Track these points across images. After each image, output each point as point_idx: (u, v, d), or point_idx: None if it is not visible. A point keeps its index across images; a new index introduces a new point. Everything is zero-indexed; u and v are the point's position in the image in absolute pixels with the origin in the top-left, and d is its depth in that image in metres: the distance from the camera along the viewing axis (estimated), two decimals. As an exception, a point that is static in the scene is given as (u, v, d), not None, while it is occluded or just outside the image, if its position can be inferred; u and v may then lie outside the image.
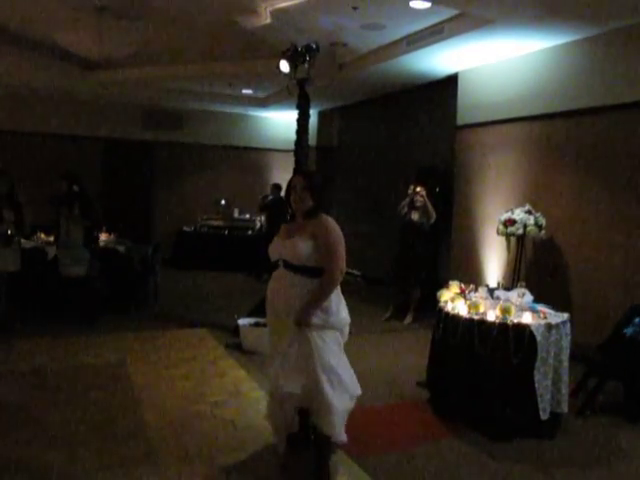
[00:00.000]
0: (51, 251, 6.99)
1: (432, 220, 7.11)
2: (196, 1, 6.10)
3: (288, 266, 3.29)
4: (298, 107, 6.29)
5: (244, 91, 10.63)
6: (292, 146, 6.33)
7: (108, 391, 4.58)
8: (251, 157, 12.51)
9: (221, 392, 4.65)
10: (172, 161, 11.89)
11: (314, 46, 5.86)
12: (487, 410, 3.99)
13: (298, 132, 6.27)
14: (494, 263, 6.97)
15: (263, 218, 11.88)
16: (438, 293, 4.60)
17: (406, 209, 7.18)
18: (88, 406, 4.26)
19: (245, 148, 12.41)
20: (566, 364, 4.11)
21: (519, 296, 4.35)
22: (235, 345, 5.92)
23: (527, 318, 3.99)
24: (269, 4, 6.06)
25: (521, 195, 6.56)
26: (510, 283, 5.97)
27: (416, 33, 6.53)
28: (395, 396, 4.74)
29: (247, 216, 12.08)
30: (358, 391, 3.36)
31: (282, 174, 11.42)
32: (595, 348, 4.69)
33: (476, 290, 4.60)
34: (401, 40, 6.83)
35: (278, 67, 6.09)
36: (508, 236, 6.24)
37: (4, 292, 6.25)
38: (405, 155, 9.38)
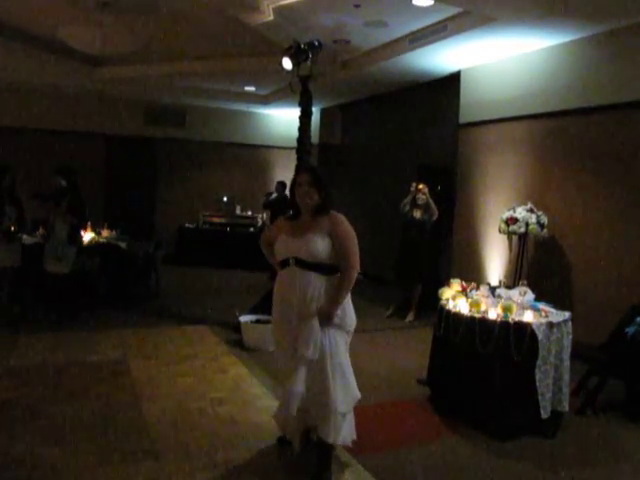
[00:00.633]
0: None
1: (434, 218, 7.11)
2: (199, -2, 6.11)
3: (301, 264, 3.25)
4: (300, 104, 6.28)
5: (246, 88, 10.62)
6: (294, 143, 6.33)
7: (109, 387, 4.59)
8: (253, 154, 12.50)
9: (222, 389, 4.66)
10: (174, 158, 11.89)
11: (317, 43, 5.85)
12: (488, 408, 3.99)
13: (300, 129, 6.27)
14: (496, 261, 6.96)
15: (265, 215, 11.90)
16: (440, 291, 4.60)
17: (408, 207, 7.18)
18: (89, 402, 4.26)
19: (247, 145, 12.40)
20: (567, 363, 4.11)
21: (520, 294, 4.34)
22: (236, 342, 5.92)
23: (528, 316, 3.98)
24: (272, 1, 6.05)
25: (523, 193, 6.55)
26: (512, 281, 5.96)
27: (419, 31, 6.52)
28: (396, 394, 4.74)
29: (249, 213, 12.08)
30: (358, 395, 3.36)
31: (284, 171, 11.43)
32: (597, 347, 4.69)
33: (478, 288, 4.59)
34: (404, 38, 6.82)
35: (281, 64, 6.08)
36: (510, 234, 6.23)
37: (7, 287, 6.27)
38: (407, 153, 9.37)
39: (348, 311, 3.34)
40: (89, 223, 7.50)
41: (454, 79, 7.80)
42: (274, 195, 10.43)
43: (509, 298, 4.29)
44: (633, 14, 5.17)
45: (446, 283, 4.76)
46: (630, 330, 4.44)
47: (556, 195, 6.24)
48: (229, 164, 12.35)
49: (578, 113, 5.99)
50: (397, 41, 6.97)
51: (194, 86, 10.45)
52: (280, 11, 6.06)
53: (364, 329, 6.45)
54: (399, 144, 9.64)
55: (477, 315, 4.08)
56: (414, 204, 7.14)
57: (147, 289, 8.07)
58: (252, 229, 11.70)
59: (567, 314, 4.21)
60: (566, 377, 4.09)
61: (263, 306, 6.19)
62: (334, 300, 3.22)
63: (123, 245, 7.49)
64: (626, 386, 4.50)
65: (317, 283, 3.25)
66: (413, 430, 4.09)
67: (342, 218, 3.32)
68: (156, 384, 4.71)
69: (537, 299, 4.39)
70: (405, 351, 5.97)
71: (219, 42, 7.77)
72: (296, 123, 6.32)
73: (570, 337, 4.14)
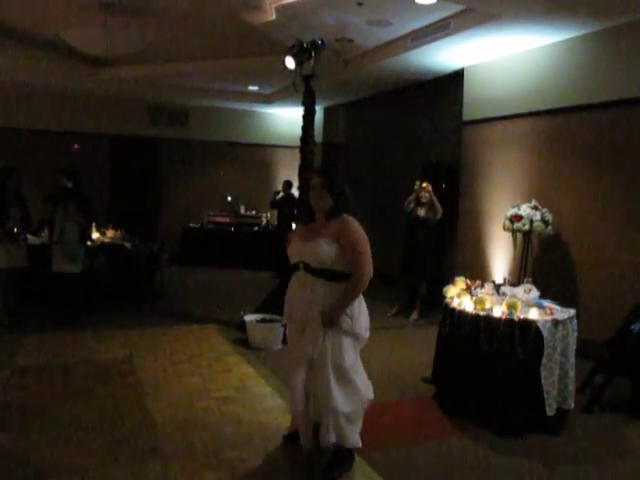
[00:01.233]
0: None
1: (439, 216, 7.10)
2: (201, -2, 6.11)
3: (309, 269, 3.24)
4: (304, 103, 6.28)
5: (250, 87, 10.64)
6: (298, 142, 6.34)
7: (115, 387, 4.61)
8: (257, 153, 12.51)
9: (227, 388, 4.67)
10: (178, 158, 11.91)
11: (319, 42, 5.86)
12: (493, 406, 3.99)
13: (304, 128, 6.27)
14: (500, 259, 6.96)
15: (269, 214, 11.92)
16: (444, 289, 4.60)
17: (412, 205, 7.18)
18: (95, 401, 4.28)
19: (251, 145, 12.41)
20: (573, 360, 4.10)
21: (525, 292, 4.34)
22: (241, 341, 5.93)
23: (533, 314, 3.98)
24: (274, 0, 6.05)
25: (527, 191, 6.54)
26: (516, 279, 5.95)
27: (422, 29, 6.52)
28: (401, 392, 4.74)
29: (253, 212, 12.09)
30: (370, 395, 3.35)
31: (288, 170, 11.44)
32: (602, 344, 4.67)
33: (482, 286, 4.58)
34: (407, 36, 6.82)
35: (284, 63, 6.09)
36: (514, 232, 6.21)
37: (13, 288, 6.29)
38: (411, 151, 9.36)
39: (360, 318, 3.25)
40: (94, 223, 7.55)
41: (458, 77, 7.79)
42: (281, 194, 10.44)
43: (514, 296, 4.29)
44: (638, 10, 5.15)
45: (451, 281, 4.77)
46: (636, 327, 4.43)
47: (560, 192, 6.23)
48: (233, 164, 12.36)
49: (582, 110, 5.98)
50: (400, 39, 6.96)
51: (197, 86, 10.47)
52: (283, 10, 6.06)
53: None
54: (403, 142, 9.64)
55: (482, 313, 4.07)
56: (418, 202, 7.14)
57: (152, 289, 8.09)
58: (256, 228, 11.72)
59: (572, 311, 4.21)
60: (571, 374, 4.09)
61: (268, 305, 6.21)
62: (338, 303, 3.15)
63: (128, 245, 7.50)
64: (632, 383, 4.49)
65: (323, 289, 3.19)
66: (418, 428, 4.09)
67: (352, 222, 3.23)
68: (162, 383, 4.72)
69: (542, 296, 4.39)
70: (410, 349, 5.97)
71: (222, 42, 7.78)
72: (300, 122, 6.32)
73: (575, 334, 4.14)
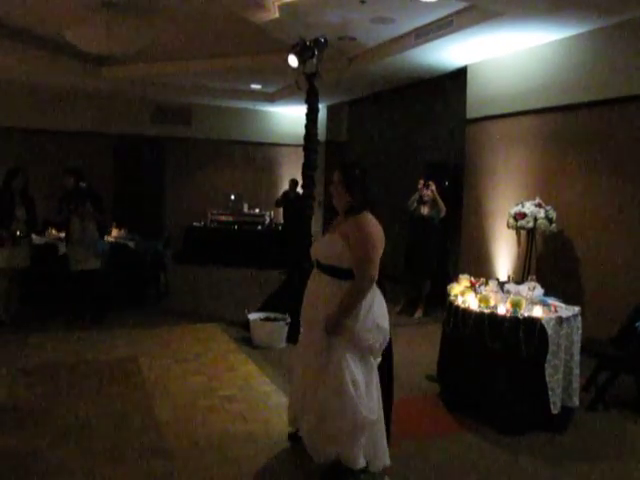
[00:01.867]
0: (62, 247, 7.05)
1: (442, 214, 7.09)
2: (204, -4, 6.11)
3: (319, 266, 3.22)
4: (307, 102, 6.29)
5: (253, 86, 10.63)
6: (301, 141, 6.34)
7: (120, 386, 4.62)
8: (260, 152, 12.50)
9: (232, 386, 4.68)
10: (181, 156, 11.92)
11: (322, 40, 5.86)
12: (498, 404, 3.99)
13: (307, 127, 6.28)
14: (504, 257, 6.95)
15: (273, 213, 11.93)
16: (448, 287, 4.59)
17: (415, 204, 7.18)
18: (100, 400, 4.29)
19: (254, 143, 12.40)
20: (577, 358, 4.09)
21: (530, 290, 4.33)
22: (245, 340, 5.94)
23: (538, 312, 3.97)
24: (277, -1, 6.05)
25: (531, 188, 6.52)
26: (520, 277, 5.94)
27: (425, 26, 6.49)
28: (405, 390, 4.72)
29: (256, 211, 12.10)
30: (371, 417, 3.05)
31: (291, 169, 11.43)
32: (607, 342, 4.67)
33: (486, 284, 4.58)
34: (410, 34, 6.79)
35: (287, 62, 6.09)
36: (518, 229, 6.21)
37: (17, 288, 6.31)
38: (414, 149, 9.35)
39: (367, 325, 3.05)
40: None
41: (461, 74, 7.77)
42: (291, 194, 10.47)
43: (518, 293, 4.29)
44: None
45: (455, 279, 4.76)
46: (640, 325, 4.42)
47: (564, 189, 6.21)
48: (236, 162, 12.36)
49: (587, 107, 5.96)
50: (403, 37, 6.94)
51: (200, 85, 10.46)
52: (285, 8, 6.05)
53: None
54: (406, 140, 9.62)
55: (486, 311, 4.07)
56: (421, 201, 7.14)
57: (156, 288, 8.10)
58: (260, 227, 11.72)
59: (576, 309, 4.20)
60: (576, 372, 4.08)
61: (272, 304, 6.22)
62: (339, 308, 3.01)
63: (131, 244, 7.51)
64: (636, 381, 4.49)
65: (330, 287, 3.11)
66: (423, 426, 4.10)
67: (364, 221, 3.10)
68: (167, 382, 4.73)
69: (546, 294, 4.39)
70: (414, 347, 5.96)
71: (225, 40, 7.78)
72: (303, 120, 6.32)
73: (580, 332, 4.13)
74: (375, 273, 3.05)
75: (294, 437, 3.62)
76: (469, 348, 4.15)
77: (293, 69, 6.12)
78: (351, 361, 3.07)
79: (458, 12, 5.96)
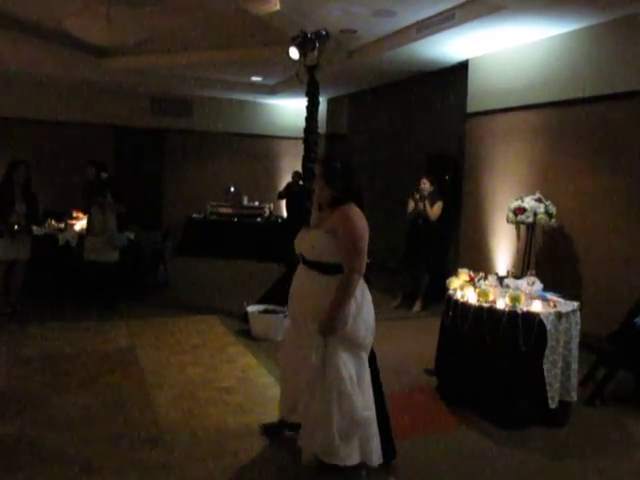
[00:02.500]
0: (61, 238, 7.05)
1: (431, 218, 7.00)
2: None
3: (304, 261, 3.18)
4: (307, 94, 6.27)
5: (253, 78, 10.59)
6: (301, 133, 6.33)
7: (118, 376, 4.63)
8: (260, 144, 12.48)
9: (230, 378, 4.69)
10: (181, 148, 11.89)
11: (324, 33, 5.84)
12: (496, 398, 3.99)
13: (307, 119, 6.26)
14: (504, 251, 6.95)
15: (272, 205, 11.92)
16: (447, 281, 4.59)
17: (413, 204, 7.12)
18: (99, 390, 4.30)
19: (254, 135, 12.37)
20: (575, 353, 4.10)
21: (529, 284, 4.33)
22: (244, 332, 5.95)
23: (537, 306, 3.98)
24: (278, -10, 6.02)
25: (531, 183, 6.52)
26: (520, 271, 5.95)
27: (426, 20, 6.47)
28: (404, 384, 4.74)
29: (256, 203, 12.09)
30: (366, 415, 3.07)
31: (292, 161, 11.41)
32: (605, 337, 4.67)
33: (486, 278, 4.58)
34: (411, 27, 6.76)
35: (288, 54, 6.07)
36: (518, 224, 6.21)
37: (18, 280, 6.28)
38: (415, 142, 9.33)
39: (359, 320, 3.04)
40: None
41: (462, 68, 7.75)
42: (294, 187, 10.46)
43: (517, 288, 4.29)
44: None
45: (454, 273, 4.76)
46: (639, 320, 4.42)
47: (564, 184, 6.20)
48: (236, 154, 12.32)
49: (587, 102, 5.94)
50: (404, 30, 6.92)
51: (201, 76, 10.42)
52: (287, 0, 6.03)
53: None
54: (406, 134, 9.61)
55: (485, 305, 4.06)
56: (420, 197, 7.15)
57: (155, 279, 8.11)
58: (259, 219, 11.72)
59: (575, 304, 4.20)
60: (574, 367, 4.09)
61: (270, 296, 6.22)
62: (332, 305, 2.96)
63: (131, 236, 7.51)
64: (634, 376, 4.50)
65: (318, 283, 3.07)
66: (421, 420, 4.10)
67: (350, 214, 3.05)
68: (165, 373, 4.74)
69: (545, 289, 4.39)
70: (412, 341, 5.97)
71: (226, 32, 7.75)
72: (303, 113, 6.31)
73: (578, 327, 4.13)
74: (364, 265, 3.04)
75: (292, 426, 3.53)
76: (467, 342, 4.15)
77: (294, 62, 6.10)
78: (346, 358, 3.06)
79: (460, 5, 5.94)
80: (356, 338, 3.07)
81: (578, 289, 5.85)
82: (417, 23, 6.63)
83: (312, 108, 6.25)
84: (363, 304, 3.11)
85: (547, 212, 5.91)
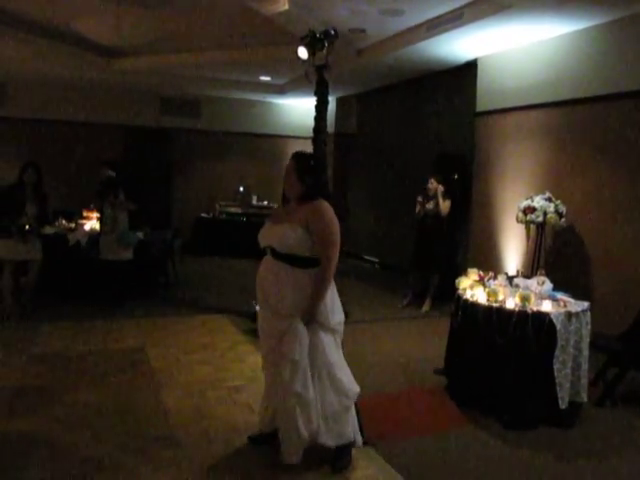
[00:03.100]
0: (72, 238, 7.08)
1: (443, 214, 7.06)
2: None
3: (275, 254, 3.20)
4: (316, 94, 6.26)
5: (262, 78, 10.61)
6: (310, 133, 6.32)
7: (128, 375, 4.66)
8: (269, 144, 12.50)
9: (239, 377, 4.70)
10: (190, 148, 11.94)
11: (332, 32, 5.83)
12: (505, 398, 3.98)
13: (316, 119, 6.26)
14: (513, 251, 6.92)
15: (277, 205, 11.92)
16: (457, 280, 4.58)
17: (419, 207, 7.16)
18: (109, 389, 4.33)
19: (263, 135, 12.40)
20: (586, 353, 4.08)
21: (539, 284, 4.32)
22: (253, 331, 5.95)
23: (547, 306, 3.96)
24: (287, -10, 6.02)
25: (541, 182, 6.49)
26: (529, 271, 5.92)
27: (435, 19, 6.45)
28: (412, 383, 4.75)
29: (265, 203, 12.11)
30: (355, 389, 3.31)
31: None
32: (616, 337, 4.65)
33: (495, 278, 4.57)
34: (420, 26, 6.75)
35: (296, 54, 6.07)
36: (528, 224, 6.17)
37: (31, 282, 6.30)
38: (424, 141, 9.31)
39: (333, 307, 3.21)
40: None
41: (471, 67, 7.73)
42: None
43: (527, 288, 4.27)
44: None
45: (463, 272, 4.75)
46: (650, 320, 4.40)
47: (574, 184, 6.17)
48: (245, 154, 12.36)
49: (597, 101, 5.91)
50: (413, 29, 6.91)
51: (210, 77, 10.46)
52: (295, 0, 6.04)
53: (380, 318, 6.50)
54: (415, 133, 9.59)
55: (495, 305, 4.06)
56: (428, 197, 7.15)
57: (165, 278, 8.15)
58: (268, 219, 11.71)
59: (586, 304, 4.18)
60: (584, 367, 4.07)
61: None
62: (313, 296, 3.10)
63: (140, 235, 7.54)
64: (645, 377, 4.47)
65: (291, 276, 3.13)
66: (430, 419, 4.10)
67: (322, 207, 3.16)
68: (175, 372, 4.77)
69: (555, 289, 4.37)
70: (422, 341, 5.97)
71: (234, 32, 7.76)
72: (312, 113, 6.31)
73: (589, 327, 4.11)
74: (336, 255, 3.17)
75: (259, 440, 3.52)
76: (477, 342, 4.14)
77: (303, 61, 6.10)
78: (330, 343, 3.22)
79: (469, 4, 5.92)
80: (335, 324, 3.24)
81: (588, 289, 5.82)
82: (426, 22, 6.62)
83: (321, 107, 6.24)
84: (334, 291, 3.29)
85: (557, 211, 5.88)
